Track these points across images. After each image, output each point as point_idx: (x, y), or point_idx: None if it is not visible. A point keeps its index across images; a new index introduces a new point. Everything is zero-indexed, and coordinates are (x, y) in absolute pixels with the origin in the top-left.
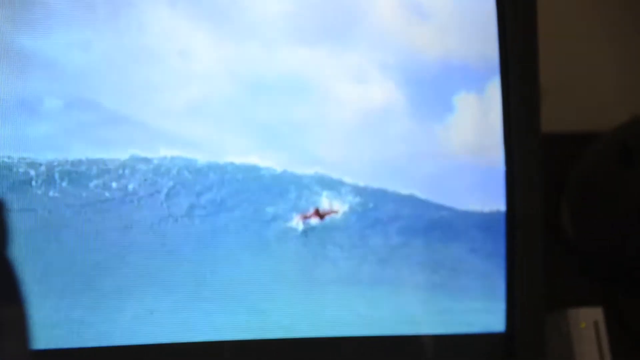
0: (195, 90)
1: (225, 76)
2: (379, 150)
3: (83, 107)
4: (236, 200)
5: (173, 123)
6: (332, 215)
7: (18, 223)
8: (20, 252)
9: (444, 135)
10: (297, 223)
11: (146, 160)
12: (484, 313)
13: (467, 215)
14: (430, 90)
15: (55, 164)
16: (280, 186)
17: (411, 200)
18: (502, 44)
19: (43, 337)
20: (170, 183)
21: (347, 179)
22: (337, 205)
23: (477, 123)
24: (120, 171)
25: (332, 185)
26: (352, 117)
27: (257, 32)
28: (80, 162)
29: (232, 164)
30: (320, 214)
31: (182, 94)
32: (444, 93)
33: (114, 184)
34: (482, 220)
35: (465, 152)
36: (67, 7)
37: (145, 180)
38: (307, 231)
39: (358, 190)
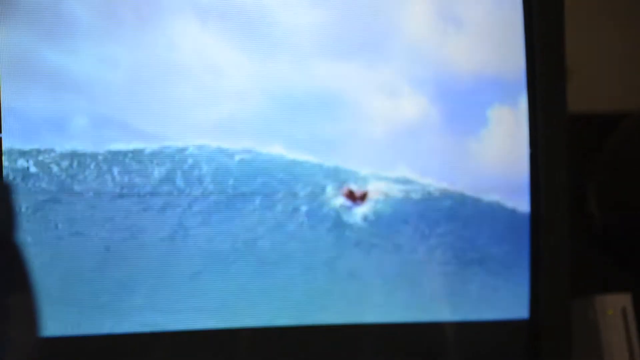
0: (226, 107)
1: (256, 92)
2: (411, 165)
3: (110, 125)
4: (265, 181)
5: (203, 140)
6: (372, 197)
7: (27, 208)
8: (28, 237)
9: (477, 149)
10: (335, 197)
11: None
12: (508, 298)
13: (492, 203)
14: (464, 103)
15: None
16: (314, 173)
17: (440, 193)
18: (528, 25)
19: (52, 324)
20: (196, 170)
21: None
22: (380, 185)
23: (511, 136)
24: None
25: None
26: (384, 132)
27: (288, 47)
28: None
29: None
30: (354, 196)
31: (212, 111)
32: (477, 106)
33: (135, 177)
34: (507, 207)
35: (499, 166)
36: (96, 24)
37: (167, 168)
38: (343, 216)
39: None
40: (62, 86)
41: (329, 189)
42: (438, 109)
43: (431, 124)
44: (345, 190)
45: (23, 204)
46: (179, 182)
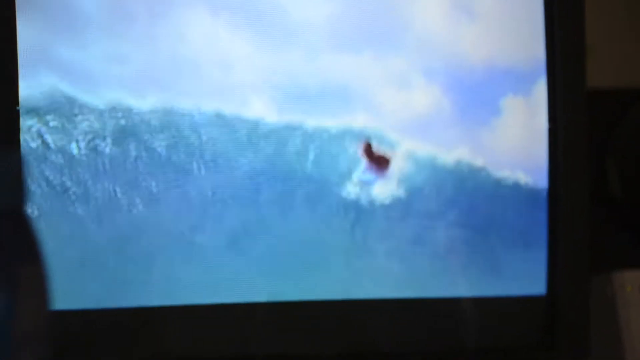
0: (236, 100)
1: (266, 85)
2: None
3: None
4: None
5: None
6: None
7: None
8: (41, 208)
9: (490, 139)
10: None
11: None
12: (525, 274)
13: (511, 179)
14: (476, 94)
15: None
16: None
17: (458, 169)
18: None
19: (67, 298)
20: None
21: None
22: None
23: (524, 126)
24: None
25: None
26: (397, 124)
27: (300, 40)
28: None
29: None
30: (372, 155)
31: (223, 105)
32: (490, 96)
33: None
34: (525, 183)
35: (517, 144)
36: (106, 18)
37: (179, 140)
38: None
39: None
40: (71, 81)
41: (347, 143)
42: (450, 99)
43: (443, 115)
44: (364, 144)
45: (33, 170)
46: (186, 131)
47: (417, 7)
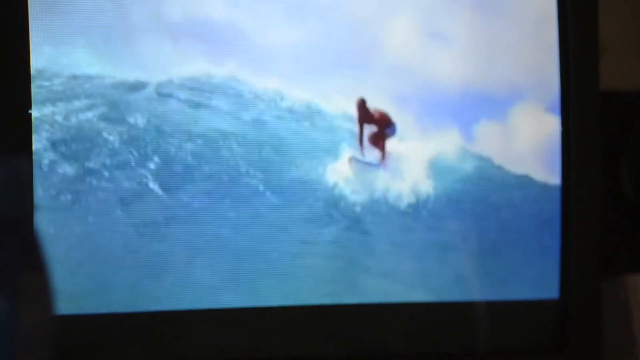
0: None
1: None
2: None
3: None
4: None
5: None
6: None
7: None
8: (51, 210)
9: (499, 142)
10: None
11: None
12: (537, 278)
13: (523, 182)
14: (449, 119)
15: None
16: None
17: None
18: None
19: (78, 303)
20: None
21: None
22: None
23: (500, 151)
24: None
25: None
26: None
27: (268, 66)
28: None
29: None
30: (368, 113)
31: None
32: (463, 122)
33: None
34: (538, 186)
35: (524, 161)
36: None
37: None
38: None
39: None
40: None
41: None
42: (422, 125)
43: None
44: (358, 101)
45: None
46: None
47: (388, 32)
